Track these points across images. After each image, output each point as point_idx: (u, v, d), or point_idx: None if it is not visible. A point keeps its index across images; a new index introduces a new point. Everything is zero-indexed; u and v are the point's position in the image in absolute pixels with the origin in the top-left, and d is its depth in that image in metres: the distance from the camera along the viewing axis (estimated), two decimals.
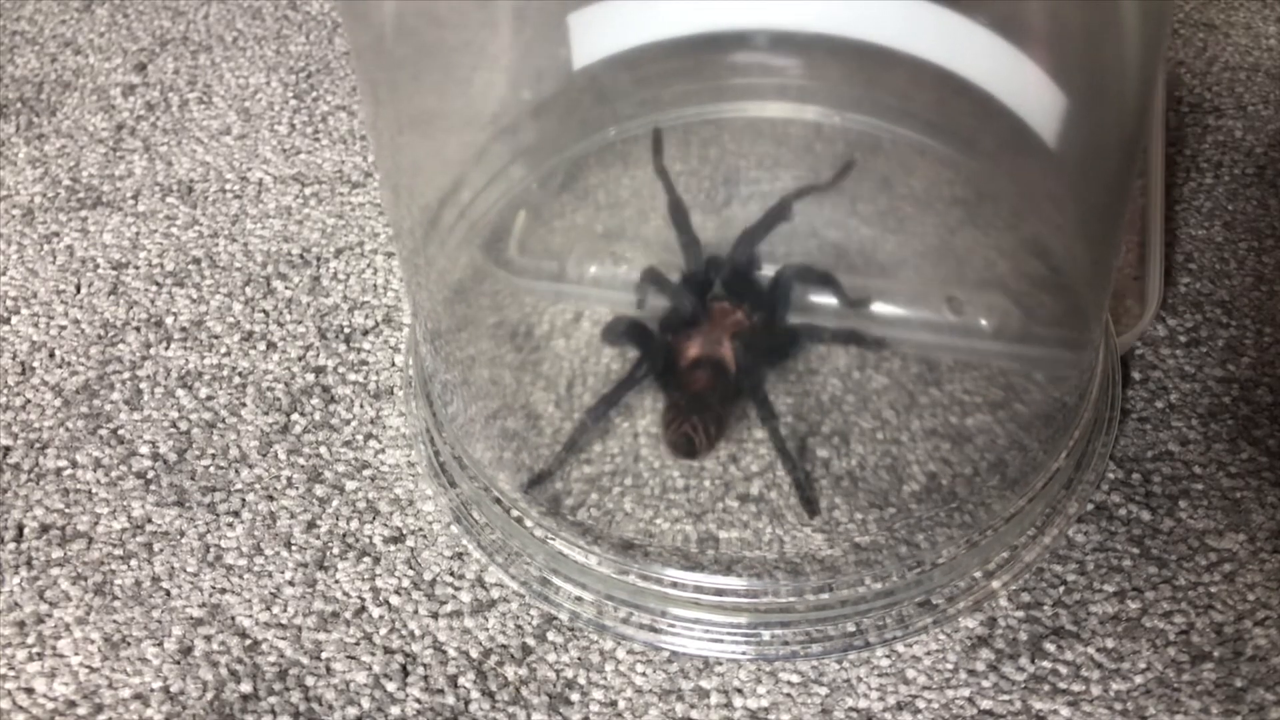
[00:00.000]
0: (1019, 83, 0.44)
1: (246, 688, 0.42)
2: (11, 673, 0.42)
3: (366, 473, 0.48)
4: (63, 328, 0.53)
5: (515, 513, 0.45)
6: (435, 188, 0.49)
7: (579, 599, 0.43)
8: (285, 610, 0.44)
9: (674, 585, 0.43)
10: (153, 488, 0.47)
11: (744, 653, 0.42)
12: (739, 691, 0.41)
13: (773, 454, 0.44)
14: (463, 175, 0.50)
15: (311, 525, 0.46)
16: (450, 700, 0.41)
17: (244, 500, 0.47)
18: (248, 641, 0.43)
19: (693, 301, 0.47)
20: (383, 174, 0.55)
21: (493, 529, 0.45)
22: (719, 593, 0.42)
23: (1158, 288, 0.51)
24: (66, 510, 0.47)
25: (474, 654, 0.42)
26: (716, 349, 0.45)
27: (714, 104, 0.54)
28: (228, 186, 0.60)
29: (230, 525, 0.46)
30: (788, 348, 0.46)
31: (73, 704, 0.42)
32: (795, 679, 0.42)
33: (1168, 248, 0.55)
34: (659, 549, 0.43)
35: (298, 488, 0.47)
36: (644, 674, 0.42)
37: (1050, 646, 0.42)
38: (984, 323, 0.48)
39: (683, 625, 0.42)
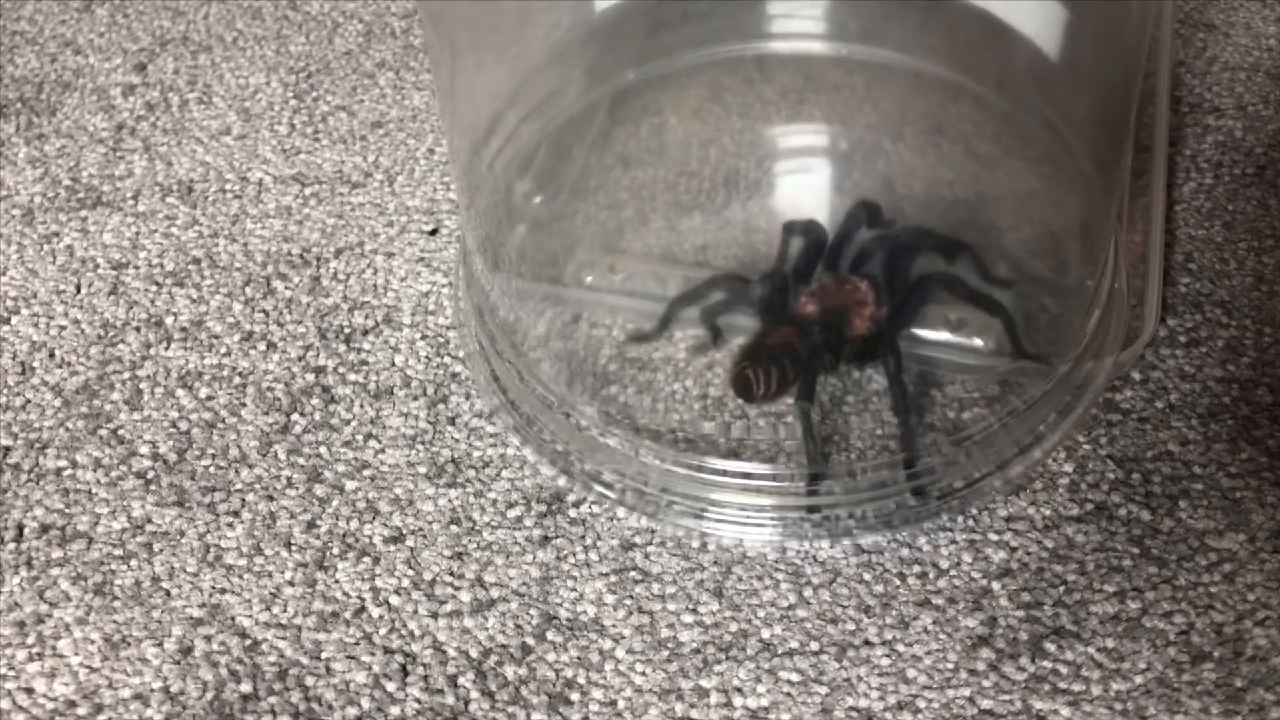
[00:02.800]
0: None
1: (246, 688, 0.42)
2: (11, 673, 0.42)
3: (366, 473, 0.48)
4: (63, 328, 0.53)
5: (579, 420, 0.48)
6: (482, 115, 0.54)
7: (637, 492, 0.46)
8: (285, 610, 0.44)
9: (718, 473, 0.45)
10: (153, 488, 0.47)
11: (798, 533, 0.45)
12: (739, 691, 0.41)
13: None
14: (504, 109, 0.55)
15: (311, 525, 0.46)
16: (450, 700, 0.41)
17: (244, 500, 0.47)
18: (248, 641, 0.43)
19: (819, 270, 0.49)
20: (440, 98, 0.60)
21: (555, 439, 0.47)
22: (761, 478, 0.46)
23: (1157, 294, 0.51)
24: (66, 510, 0.47)
25: (474, 654, 0.42)
26: (814, 315, 0.47)
27: (736, 43, 0.59)
28: (228, 186, 0.60)
29: (230, 525, 0.46)
30: (878, 349, 0.48)
31: (73, 704, 0.42)
32: (795, 678, 0.42)
33: (1167, 248, 0.55)
34: (703, 440, 0.47)
35: (298, 488, 0.47)
36: (644, 673, 0.42)
37: (1050, 646, 0.42)
38: (979, 342, 0.49)
39: (728, 510, 0.45)
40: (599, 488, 0.46)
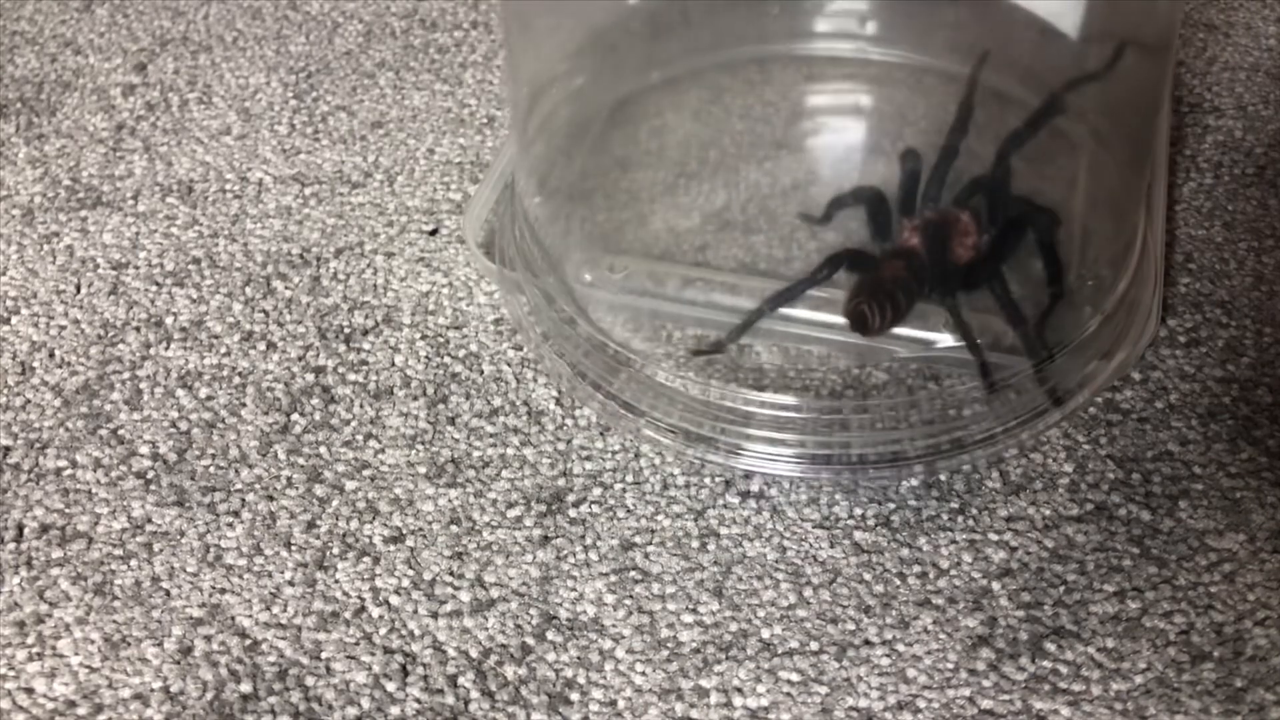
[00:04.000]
0: None
1: (246, 688, 0.42)
2: (11, 673, 0.42)
3: (366, 473, 0.48)
4: (63, 328, 0.53)
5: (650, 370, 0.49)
6: (535, 75, 0.56)
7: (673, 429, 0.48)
8: (285, 610, 0.44)
9: (753, 404, 0.47)
10: (153, 488, 0.47)
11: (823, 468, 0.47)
12: (739, 690, 0.41)
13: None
14: (556, 70, 0.58)
15: (311, 525, 0.46)
16: (450, 700, 0.41)
17: (244, 500, 0.47)
18: (248, 641, 0.43)
19: (938, 203, 0.50)
20: (505, 50, 0.63)
21: (610, 380, 0.49)
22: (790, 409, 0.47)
23: (1157, 294, 0.51)
24: (66, 510, 0.47)
25: (473, 654, 0.42)
26: (922, 246, 0.48)
27: (776, 42, 0.60)
28: (228, 186, 0.60)
29: (230, 525, 0.46)
30: (985, 275, 0.49)
31: (73, 704, 0.42)
32: (795, 678, 0.42)
33: (1168, 248, 0.55)
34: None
35: (298, 488, 0.47)
36: (644, 673, 0.42)
37: (1050, 646, 0.42)
38: (979, 341, 0.49)
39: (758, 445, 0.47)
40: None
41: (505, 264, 0.53)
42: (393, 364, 0.51)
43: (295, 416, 0.50)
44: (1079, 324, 0.49)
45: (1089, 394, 0.48)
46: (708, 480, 0.47)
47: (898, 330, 0.49)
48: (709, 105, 0.60)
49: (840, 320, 0.48)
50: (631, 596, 0.44)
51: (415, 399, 0.50)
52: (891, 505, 0.46)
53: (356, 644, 0.43)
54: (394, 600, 0.44)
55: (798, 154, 0.58)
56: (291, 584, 0.44)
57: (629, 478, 0.47)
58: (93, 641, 0.43)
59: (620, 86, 0.59)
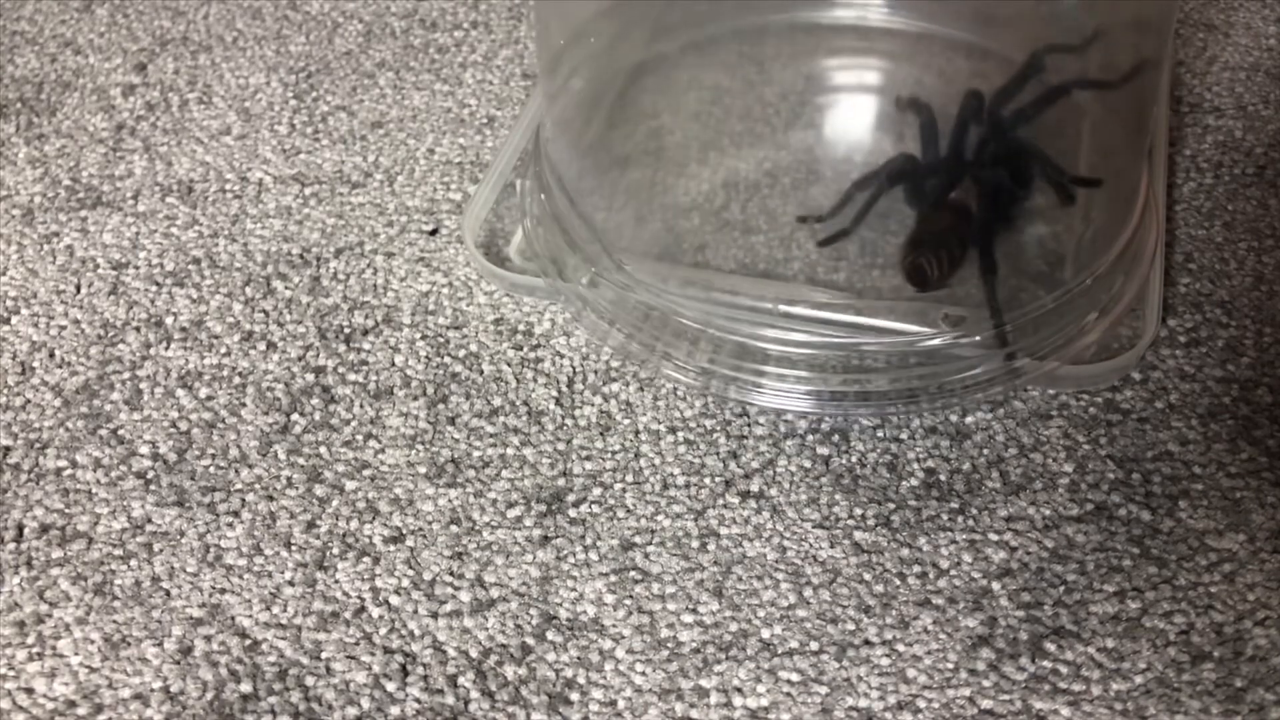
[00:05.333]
0: None
1: (246, 688, 0.42)
2: (11, 673, 0.42)
3: (366, 473, 0.48)
4: (63, 328, 0.53)
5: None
6: (560, 33, 0.57)
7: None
8: (285, 610, 0.44)
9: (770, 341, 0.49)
10: (153, 488, 0.47)
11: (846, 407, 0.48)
12: (739, 690, 0.41)
13: None
14: (580, 29, 0.59)
15: (311, 525, 0.46)
16: (450, 700, 0.41)
17: (244, 500, 0.47)
18: (248, 641, 0.43)
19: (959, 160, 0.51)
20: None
21: (639, 325, 0.50)
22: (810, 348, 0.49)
23: (1157, 294, 0.51)
24: (66, 510, 0.47)
25: (473, 654, 0.42)
26: (966, 197, 0.50)
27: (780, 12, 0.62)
28: (228, 186, 0.60)
29: (230, 525, 0.46)
30: (1021, 213, 0.51)
31: (73, 704, 0.42)
32: (795, 678, 0.42)
33: (1168, 248, 0.55)
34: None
35: (297, 488, 0.47)
36: (643, 673, 0.42)
37: (1050, 646, 0.42)
38: (978, 339, 0.49)
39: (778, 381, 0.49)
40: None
41: (523, 209, 0.55)
42: (393, 364, 0.51)
43: (295, 416, 0.50)
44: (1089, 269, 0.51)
45: (1098, 335, 0.50)
46: (708, 480, 0.47)
47: (896, 328, 0.49)
48: (709, 106, 0.60)
49: (840, 320, 0.49)
50: (631, 596, 0.44)
51: (415, 399, 0.50)
52: (891, 505, 0.46)
53: (356, 644, 0.43)
54: (394, 600, 0.44)
55: (808, 131, 0.59)
56: (291, 584, 0.44)
57: (629, 478, 0.47)
58: (93, 641, 0.43)
59: (635, 53, 0.61)
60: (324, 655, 0.43)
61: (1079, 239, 0.53)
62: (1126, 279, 0.51)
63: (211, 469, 0.48)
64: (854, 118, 0.60)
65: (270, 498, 0.47)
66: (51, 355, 0.52)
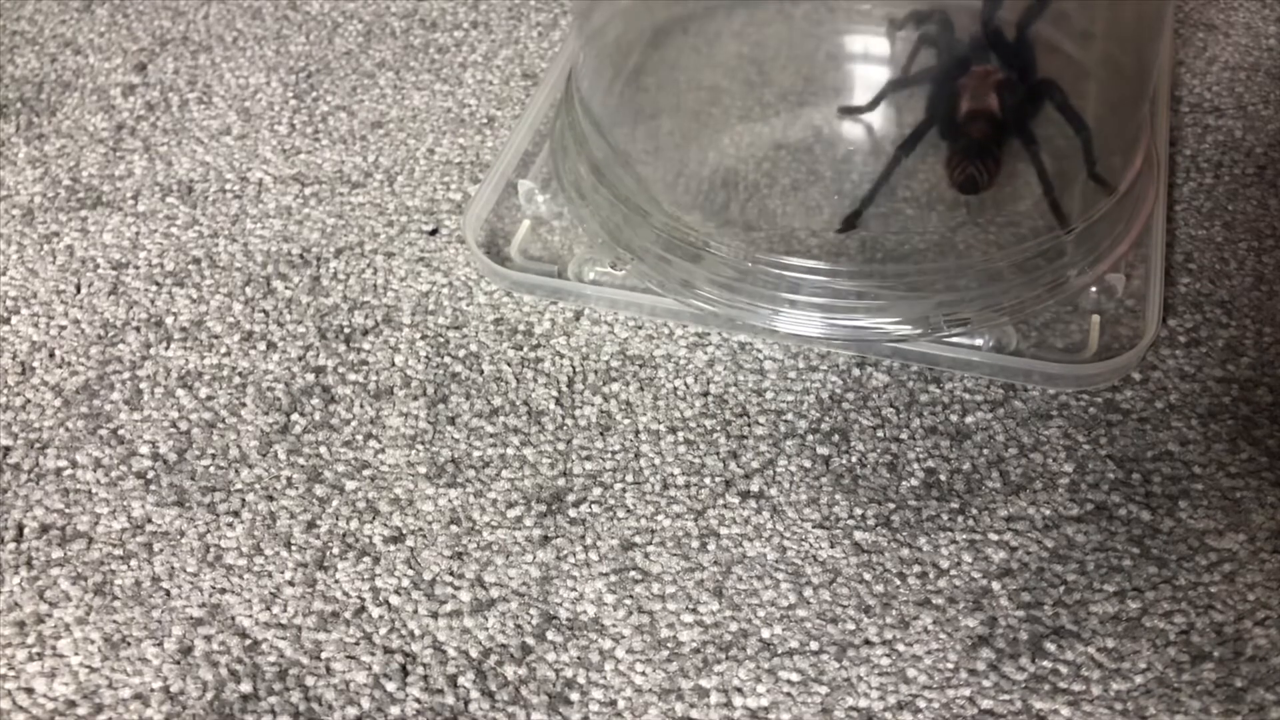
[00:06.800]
0: None
1: (246, 688, 0.42)
2: (11, 673, 0.42)
3: (366, 473, 0.48)
4: (63, 328, 0.53)
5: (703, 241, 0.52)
6: None
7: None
8: (285, 610, 0.44)
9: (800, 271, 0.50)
10: (153, 488, 0.47)
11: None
12: (739, 690, 0.41)
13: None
14: None
15: (311, 525, 0.46)
16: (450, 700, 0.41)
17: (244, 500, 0.47)
18: (248, 641, 0.43)
19: (960, 61, 0.53)
20: None
21: (669, 272, 0.52)
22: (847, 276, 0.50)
23: (1157, 294, 0.51)
24: (66, 510, 0.47)
25: (473, 654, 0.42)
26: (985, 101, 0.51)
27: None
28: (228, 186, 0.60)
29: (230, 525, 0.46)
30: (1040, 94, 0.52)
31: (73, 704, 0.42)
32: (795, 678, 0.42)
33: (1168, 248, 0.55)
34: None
35: (298, 488, 0.47)
36: (644, 673, 0.42)
37: (1050, 646, 0.42)
38: (980, 341, 0.50)
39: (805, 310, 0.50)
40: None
41: (554, 149, 0.57)
42: (393, 364, 0.51)
43: (295, 416, 0.50)
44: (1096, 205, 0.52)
45: (1107, 266, 0.51)
46: (708, 480, 0.47)
47: (897, 329, 0.49)
48: (709, 106, 0.60)
49: (838, 320, 0.49)
50: (631, 596, 0.44)
51: (415, 399, 0.50)
52: (891, 505, 0.46)
53: (356, 644, 0.43)
54: (394, 600, 0.44)
55: (816, 108, 0.60)
56: (291, 584, 0.44)
57: (629, 478, 0.47)
58: (93, 641, 0.43)
59: (659, 12, 0.62)
60: (324, 655, 0.43)
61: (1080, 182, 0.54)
62: (1130, 217, 0.53)
63: (211, 469, 0.48)
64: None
65: (270, 498, 0.47)
66: (51, 355, 0.52)
